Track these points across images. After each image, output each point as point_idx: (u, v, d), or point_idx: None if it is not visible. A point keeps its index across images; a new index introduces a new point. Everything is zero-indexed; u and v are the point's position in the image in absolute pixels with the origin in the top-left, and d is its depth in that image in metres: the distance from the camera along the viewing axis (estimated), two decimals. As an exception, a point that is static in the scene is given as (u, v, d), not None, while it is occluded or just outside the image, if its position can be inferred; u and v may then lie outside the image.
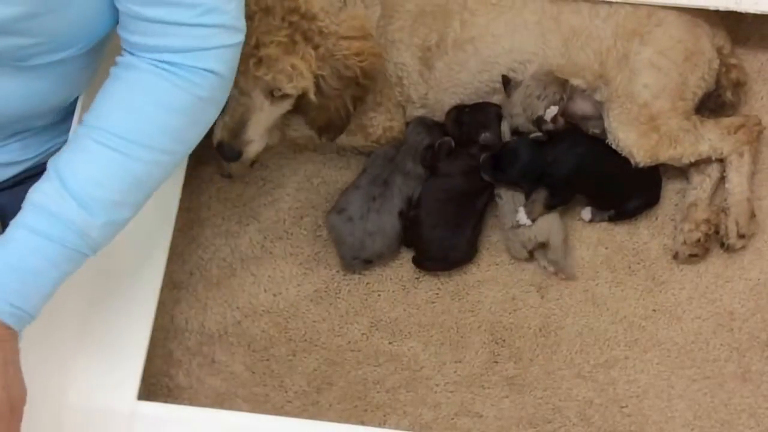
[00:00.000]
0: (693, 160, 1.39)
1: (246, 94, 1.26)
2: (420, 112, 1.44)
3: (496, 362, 1.38)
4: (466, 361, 1.39)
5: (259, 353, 1.39)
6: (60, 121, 1.24)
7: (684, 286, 1.41)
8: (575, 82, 1.39)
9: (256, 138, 1.29)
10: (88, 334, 1.25)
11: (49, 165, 1.02)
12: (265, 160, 1.48)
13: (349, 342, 1.39)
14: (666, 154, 1.37)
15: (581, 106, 1.42)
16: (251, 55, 1.19)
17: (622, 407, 1.35)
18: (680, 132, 1.36)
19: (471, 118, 1.42)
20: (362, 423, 1.35)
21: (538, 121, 1.38)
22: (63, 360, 1.22)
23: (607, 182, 1.42)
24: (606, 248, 1.44)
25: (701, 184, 1.42)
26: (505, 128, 1.43)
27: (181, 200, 1.33)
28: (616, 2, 1.37)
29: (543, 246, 1.40)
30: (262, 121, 1.28)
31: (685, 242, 1.40)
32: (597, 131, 1.41)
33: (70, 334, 1.24)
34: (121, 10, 1.02)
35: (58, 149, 1.10)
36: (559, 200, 1.41)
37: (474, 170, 1.41)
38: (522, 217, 1.39)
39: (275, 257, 1.45)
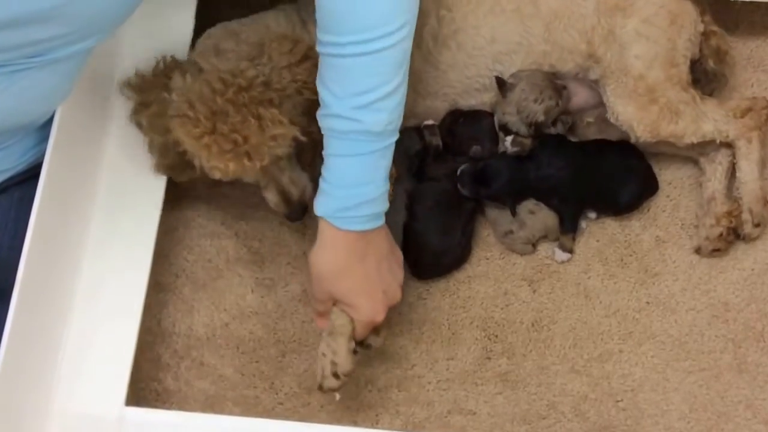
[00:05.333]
0: (696, 140, 1.35)
1: (265, 185, 1.27)
2: (412, 121, 1.39)
3: (489, 358, 1.37)
4: (458, 358, 1.37)
5: (248, 355, 1.38)
6: (43, 125, 1.22)
7: (677, 277, 1.40)
8: (566, 68, 1.37)
9: (300, 183, 1.29)
10: (74, 339, 1.23)
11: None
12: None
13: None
14: (667, 129, 1.34)
15: (578, 98, 1.40)
16: (242, 155, 1.19)
17: (617, 401, 1.33)
18: (680, 104, 1.33)
19: (464, 129, 1.39)
20: (354, 423, 1.33)
21: (537, 126, 1.36)
22: (49, 366, 1.21)
23: (601, 182, 1.40)
24: (597, 241, 1.42)
25: (715, 175, 1.39)
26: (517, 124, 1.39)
27: (165, 201, 1.31)
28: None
29: (544, 237, 1.40)
30: (293, 176, 1.28)
31: (707, 237, 1.38)
32: (591, 120, 1.40)
33: (56, 340, 1.22)
34: None
35: (43, 155, 1.12)
36: (572, 218, 1.40)
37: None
38: (560, 254, 1.40)
39: (262, 258, 1.43)
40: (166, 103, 1.22)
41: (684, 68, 1.35)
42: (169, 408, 1.33)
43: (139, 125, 1.28)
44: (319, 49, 1.14)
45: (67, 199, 1.25)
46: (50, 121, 1.21)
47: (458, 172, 1.38)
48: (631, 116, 1.34)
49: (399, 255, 1.25)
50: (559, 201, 1.39)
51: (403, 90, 1.15)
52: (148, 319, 1.36)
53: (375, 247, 1.19)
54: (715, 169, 1.40)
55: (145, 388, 1.36)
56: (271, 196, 1.29)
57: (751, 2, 1.39)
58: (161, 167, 1.30)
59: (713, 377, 1.34)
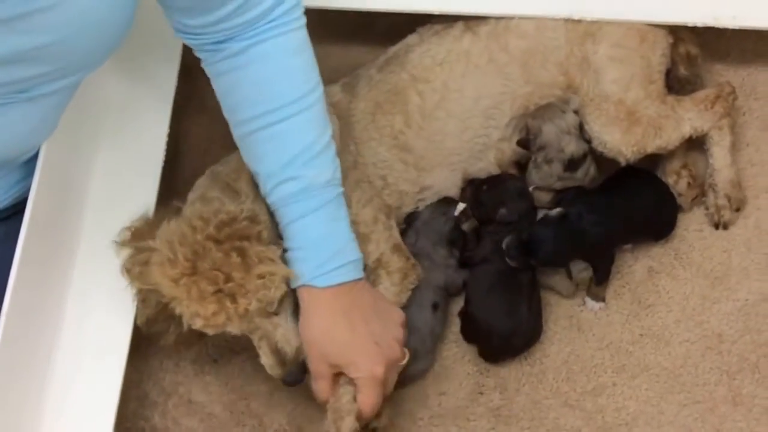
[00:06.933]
0: (677, 144, 1.38)
1: (253, 331, 1.16)
2: (427, 194, 1.37)
3: (481, 393, 1.35)
4: (450, 393, 1.35)
5: (236, 392, 1.36)
6: (27, 161, 1.21)
7: (671, 308, 1.39)
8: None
9: (294, 344, 1.17)
10: (58, 376, 1.22)
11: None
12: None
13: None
14: (653, 145, 1.35)
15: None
16: (225, 296, 1.09)
17: (612, 436, 1.32)
18: (661, 119, 1.35)
19: (489, 197, 1.37)
20: (345, 460, 1.32)
21: (573, 162, 1.35)
22: (33, 403, 1.19)
23: (638, 217, 1.38)
24: (590, 272, 1.41)
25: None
26: (553, 169, 1.37)
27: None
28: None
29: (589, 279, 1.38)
30: (287, 333, 1.17)
31: (679, 194, 1.41)
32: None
33: (40, 377, 1.21)
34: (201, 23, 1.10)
35: (27, 191, 1.10)
36: (606, 269, 1.37)
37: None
38: (591, 304, 1.38)
39: (251, 292, 1.41)
40: (153, 251, 1.14)
41: (660, 83, 1.37)
42: (156, 447, 1.32)
43: (126, 272, 1.18)
44: (242, 131, 1.14)
45: (52, 235, 1.23)
46: (35, 156, 1.20)
47: (504, 246, 1.33)
48: (618, 142, 1.34)
49: (395, 313, 1.20)
50: (596, 255, 1.37)
51: (336, 139, 1.17)
52: (135, 355, 1.31)
53: (358, 301, 1.15)
54: None
55: (131, 427, 1.34)
56: (265, 358, 1.17)
57: (741, 30, 1.38)
58: (143, 321, 1.21)
59: (708, 410, 1.32)
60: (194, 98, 1.52)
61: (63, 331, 1.24)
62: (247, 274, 1.09)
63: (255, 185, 1.18)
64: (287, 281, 1.13)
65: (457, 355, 1.37)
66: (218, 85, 1.16)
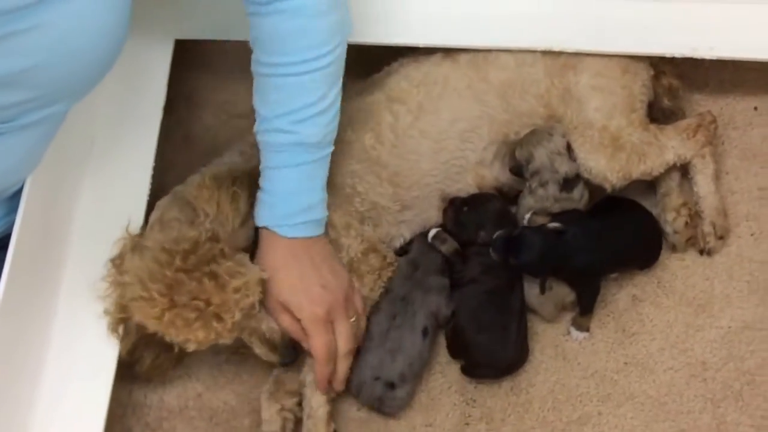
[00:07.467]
0: (662, 170, 1.39)
1: (242, 332, 1.21)
2: (408, 215, 1.37)
3: (468, 424, 1.35)
4: (436, 425, 1.35)
5: (221, 426, 1.35)
6: (11, 196, 1.20)
7: (654, 336, 1.39)
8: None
9: (279, 329, 1.24)
10: (41, 411, 1.21)
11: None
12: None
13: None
14: (637, 171, 1.36)
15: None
16: (210, 318, 1.14)
17: (598, 465, 1.32)
18: (644, 146, 1.36)
19: (469, 218, 1.37)
20: (331, 494, 1.31)
21: (568, 182, 1.36)
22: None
23: (628, 246, 1.39)
24: (574, 302, 1.41)
25: (669, 175, 1.42)
26: (549, 191, 1.37)
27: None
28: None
29: (572, 304, 1.38)
30: (270, 322, 1.24)
31: (676, 231, 1.41)
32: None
33: (23, 413, 1.20)
34: None
35: (11, 226, 1.09)
36: (592, 298, 1.38)
37: (491, 266, 1.35)
38: (576, 334, 1.38)
39: (236, 325, 1.41)
40: (125, 286, 1.18)
41: (642, 111, 1.39)
42: (140, 483, 1.30)
43: (106, 313, 1.23)
44: (258, 69, 1.19)
45: (37, 269, 1.23)
46: (19, 191, 1.20)
47: (493, 237, 1.35)
48: (604, 168, 1.36)
49: (346, 277, 1.26)
50: (580, 282, 1.37)
51: (338, 104, 1.21)
52: (119, 390, 1.32)
53: (313, 253, 1.22)
54: (668, 170, 1.42)
55: (116, 463, 1.33)
56: (258, 349, 1.24)
57: (719, 60, 1.40)
58: (127, 350, 1.25)
59: (693, 438, 1.33)
60: (179, 130, 1.53)
61: (47, 364, 1.24)
62: (224, 293, 1.15)
63: (215, 202, 1.21)
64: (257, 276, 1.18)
65: (443, 385, 1.37)
66: (251, 24, 1.18)
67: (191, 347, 1.17)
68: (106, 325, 1.23)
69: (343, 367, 1.26)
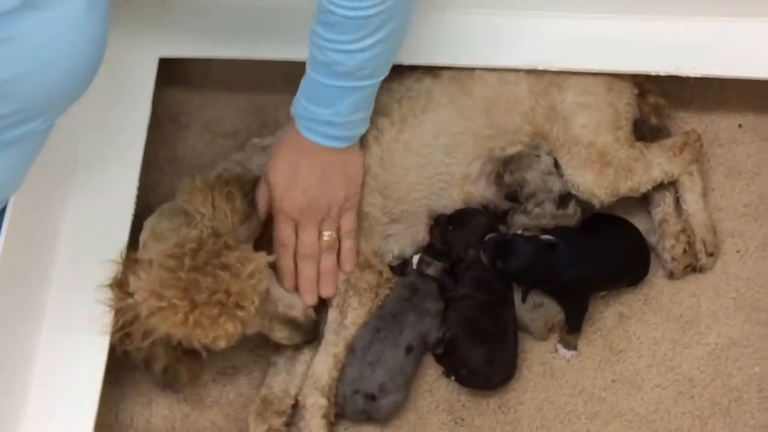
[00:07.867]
0: (649, 187, 1.40)
1: (270, 328, 1.24)
2: (396, 228, 1.37)
3: (456, 443, 1.35)
4: (425, 444, 1.35)
5: (209, 447, 1.34)
6: None
7: (642, 353, 1.39)
8: (516, 149, 1.38)
9: (296, 303, 1.27)
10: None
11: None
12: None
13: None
14: (625, 187, 1.37)
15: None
16: (232, 309, 1.15)
17: (587, 484, 1.32)
18: (631, 162, 1.37)
19: (455, 236, 1.36)
20: None
21: (563, 198, 1.37)
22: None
23: (618, 263, 1.40)
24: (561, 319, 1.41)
25: (663, 200, 1.43)
26: (545, 209, 1.38)
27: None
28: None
29: (561, 323, 1.38)
30: (286, 300, 1.26)
31: (674, 258, 1.41)
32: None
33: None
34: None
35: None
36: (580, 316, 1.38)
37: (482, 281, 1.35)
38: (563, 352, 1.38)
39: (223, 345, 1.40)
40: (136, 307, 1.17)
41: (628, 129, 1.40)
42: (126, 506, 1.29)
43: (120, 342, 1.22)
44: None
45: (20, 292, 1.22)
46: (2, 212, 1.18)
47: (486, 239, 1.35)
48: (591, 184, 1.36)
49: (355, 189, 1.28)
50: (567, 298, 1.37)
51: (381, 46, 1.16)
52: (105, 412, 1.31)
53: (324, 159, 1.24)
54: (663, 195, 1.42)
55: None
56: (281, 333, 1.25)
57: (704, 78, 1.41)
58: (161, 368, 1.25)
59: (681, 456, 1.33)
60: (164, 149, 1.52)
61: (31, 386, 1.22)
62: (240, 281, 1.15)
63: (209, 203, 1.21)
64: None
65: (431, 404, 1.36)
66: None
67: (221, 344, 1.17)
68: (135, 362, 1.23)
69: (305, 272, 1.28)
